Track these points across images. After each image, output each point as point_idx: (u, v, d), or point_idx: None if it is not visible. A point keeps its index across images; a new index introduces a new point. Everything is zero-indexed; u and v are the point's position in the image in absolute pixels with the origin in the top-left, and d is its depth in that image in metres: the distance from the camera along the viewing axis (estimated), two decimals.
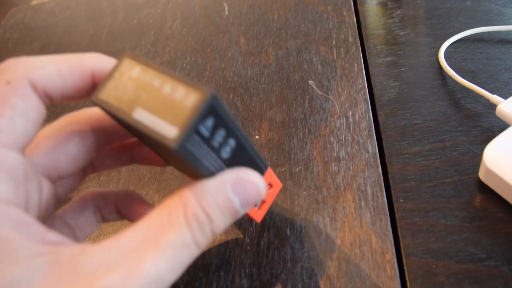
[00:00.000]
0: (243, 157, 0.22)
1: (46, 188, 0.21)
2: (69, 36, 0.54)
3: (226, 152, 0.20)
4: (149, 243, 0.17)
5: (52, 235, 0.17)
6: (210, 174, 0.20)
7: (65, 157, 0.21)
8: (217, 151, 0.20)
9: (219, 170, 0.20)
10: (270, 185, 0.26)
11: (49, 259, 0.16)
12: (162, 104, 0.18)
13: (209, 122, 0.18)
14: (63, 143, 0.21)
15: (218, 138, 0.19)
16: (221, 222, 0.19)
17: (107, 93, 0.19)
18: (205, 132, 0.18)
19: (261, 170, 0.24)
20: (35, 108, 0.18)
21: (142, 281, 0.16)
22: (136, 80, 0.19)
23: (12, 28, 0.59)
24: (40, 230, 0.17)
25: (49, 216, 0.22)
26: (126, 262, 0.16)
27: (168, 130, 0.17)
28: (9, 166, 0.17)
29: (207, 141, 0.19)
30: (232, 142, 0.20)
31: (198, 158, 0.18)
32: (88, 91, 0.20)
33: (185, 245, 0.18)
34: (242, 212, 0.20)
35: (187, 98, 0.18)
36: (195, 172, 0.20)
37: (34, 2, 0.69)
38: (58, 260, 0.16)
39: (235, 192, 0.19)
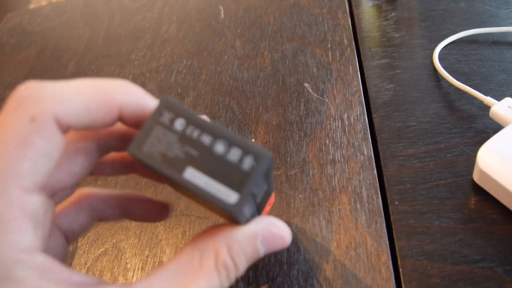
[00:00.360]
0: (267, 194, 0.23)
1: (51, 208, 0.20)
2: (65, 40, 0.54)
3: (260, 198, 0.21)
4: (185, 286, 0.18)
5: (77, 276, 0.17)
6: (245, 220, 0.20)
7: (70, 177, 0.20)
8: (255, 199, 0.20)
9: (252, 215, 0.21)
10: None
11: None
12: (215, 163, 0.17)
13: (262, 182, 0.19)
14: (68, 164, 0.20)
15: (261, 192, 0.20)
16: (244, 268, 0.20)
17: (149, 147, 0.18)
18: (256, 190, 0.19)
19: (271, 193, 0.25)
20: (59, 146, 0.17)
21: None
22: (181, 134, 0.18)
23: (9, 32, 0.59)
24: (66, 273, 0.17)
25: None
26: None
27: (227, 194, 0.17)
28: (31, 211, 0.17)
29: (254, 196, 0.19)
30: (265, 187, 0.21)
31: (244, 213, 0.19)
32: (113, 124, 0.19)
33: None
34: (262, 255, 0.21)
35: (244, 160, 0.17)
36: (227, 216, 0.20)
37: (31, 6, 0.69)
38: None
39: (263, 244, 0.20)
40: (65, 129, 0.17)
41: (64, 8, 0.60)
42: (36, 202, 0.17)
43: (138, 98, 0.19)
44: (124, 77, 0.46)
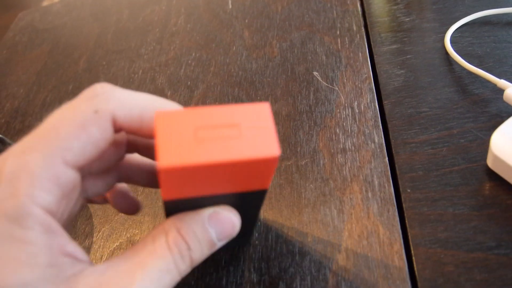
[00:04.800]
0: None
1: (79, 200, 0.23)
2: (76, 37, 0.54)
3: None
4: (137, 266, 0.19)
5: (71, 247, 0.19)
6: None
7: (101, 163, 0.23)
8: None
9: None
10: None
11: (55, 272, 0.18)
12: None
13: None
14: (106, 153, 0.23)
15: None
16: (198, 250, 0.21)
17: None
18: None
19: None
20: (107, 140, 0.20)
21: None
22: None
23: (21, 31, 0.59)
24: (63, 240, 0.19)
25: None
26: (118, 282, 0.19)
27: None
28: (63, 181, 0.19)
29: None
30: None
31: None
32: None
33: (167, 269, 0.20)
34: (219, 244, 0.22)
35: None
36: None
37: (45, 3, 0.69)
38: (60, 277, 0.18)
39: (211, 225, 0.21)
40: (117, 129, 0.20)
41: (74, 4, 0.61)
42: (70, 176, 0.19)
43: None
44: (134, 71, 0.46)
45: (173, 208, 0.21)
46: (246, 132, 0.18)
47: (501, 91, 0.31)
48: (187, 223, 0.21)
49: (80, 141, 0.19)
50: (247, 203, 0.22)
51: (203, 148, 0.17)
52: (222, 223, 0.22)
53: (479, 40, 0.36)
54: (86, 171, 0.22)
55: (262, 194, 0.21)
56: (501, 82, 0.30)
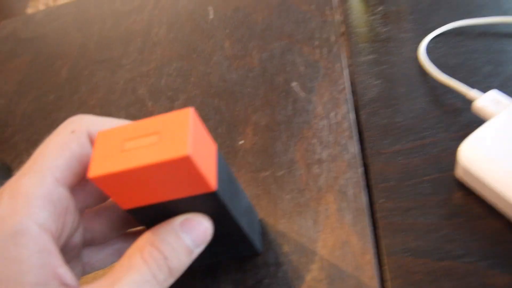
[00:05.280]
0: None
1: (79, 225, 0.24)
2: (58, 46, 0.54)
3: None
4: (113, 282, 0.20)
5: (62, 270, 0.20)
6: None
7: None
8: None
9: None
10: None
11: None
12: None
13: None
14: None
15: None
16: (175, 258, 0.21)
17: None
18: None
19: None
20: (89, 154, 0.22)
21: None
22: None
23: (3, 40, 0.59)
24: (56, 261, 0.20)
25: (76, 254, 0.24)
26: None
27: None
28: (56, 198, 0.20)
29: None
30: None
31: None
32: None
33: (145, 280, 0.20)
34: (196, 250, 0.22)
35: None
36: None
37: (28, 11, 0.70)
38: None
39: (184, 231, 0.22)
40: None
41: (57, 13, 0.61)
42: (62, 193, 0.21)
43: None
44: (116, 82, 0.46)
45: (140, 218, 0.23)
46: (164, 138, 0.20)
47: (471, 101, 0.32)
48: (159, 235, 0.21)
49: (64, 159, 0.21)
50: (209, 208, 0.23)
51: (126, 157, 0.19)
52: (194, 229, 0.22)
53: (453, 50, 0.37)
54: (85, 203, 0.24)
55: (214, 197, 0.22)
56: (470, 93, 0.31)
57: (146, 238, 0.21)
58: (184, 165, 0.19)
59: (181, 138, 0.19)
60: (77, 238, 0.24)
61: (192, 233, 0.22)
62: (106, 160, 0.20)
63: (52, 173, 0.20)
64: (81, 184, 0.23)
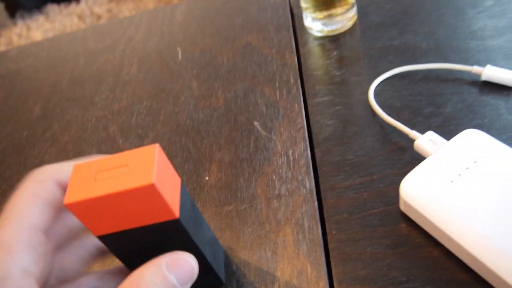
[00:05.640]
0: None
1: (51, 248, 0.25)
2: (31, 84, 0.56)
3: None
4: None
5: None
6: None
7: (67, 230, 0.26)
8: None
9: None
10: None
11: None
12: None
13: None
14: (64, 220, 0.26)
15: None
16: None
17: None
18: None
19: None
20: (59, 199, 0.24)
21: None
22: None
23: None
24: None
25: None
26: None
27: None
28: (36, 243, 0.22)
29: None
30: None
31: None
32: None
33: None
34: None
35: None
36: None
37: (0, 48, 0.71)
38: None
39: (170, 271, 0.23)
40: (65, 188, 0.24)
41: (30, 50, 0.63)
42: (40, 238, 0.22)
43: None
44: (88, 119, 0.48)
45: (112, 245, 0.25)
46: (133, 169, 0.22)
47: (413, 140, 0.35)
48: (145, 276, 0.22)
49: (37, 206, 0.23)
50: (174, 236, 0.25)
51: (98, 186, 0.22)
52: (180, 267, 0.23)
53: (398, 93, 0.40)
54: (57, 244, 0.25)
55: (177, 225, 0.24)
56: (412, 133, 0.35)
57: (132, 280, 0.22)
58: (149, 192, 0.22)
59: (147, 169, 0.22)
60: (53, 277, 0.25)
61: (178, 272, 0.23)
62: (80, 188, 0.22)
63: (29, 221, 0.22)
64: (52, 225, 0.25)
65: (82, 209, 0.22)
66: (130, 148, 0.43)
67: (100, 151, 0.44)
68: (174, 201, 0.24)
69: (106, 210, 0.23)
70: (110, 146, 0.44)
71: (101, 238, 0.24)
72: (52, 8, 2.10)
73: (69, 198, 0.22)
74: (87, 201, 0.22)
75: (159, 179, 0.22)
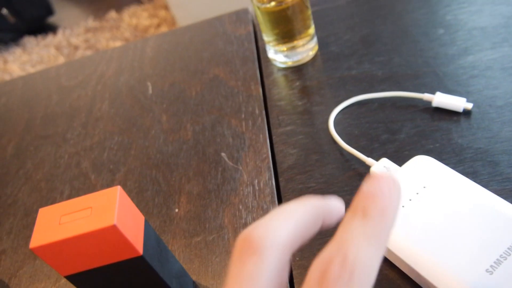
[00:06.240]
0: None
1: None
2: (5, 122, 0.57)
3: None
4: None
5: None
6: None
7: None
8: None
9: None
10: None
11: None
12: None
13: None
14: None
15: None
16: None
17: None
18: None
19: None
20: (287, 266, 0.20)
21: None
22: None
23: None
24: None
25: None
26: None
27: None
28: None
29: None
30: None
31: None
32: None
33: None
34: None
35: None
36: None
37: None
38: None
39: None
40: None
41: (4, 89, 0.64)
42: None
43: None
44: (61, 156, 0.49)
45: (80, 284, 0.26)
46: (95, 212, 0.24)
47: (370, 167, 0.37)
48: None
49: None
50: (140, 272, 0.27)
51: (62, 229, 0.24)
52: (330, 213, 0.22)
53: (356, 121, 0.43)
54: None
55: (142, 261, 0.26)
56: (368, 160, 0.37)
57: None
58: (112, 233, 0.24)
59: (109, 211, 0.24)
60: None
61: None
62: (45, 232, 0.24)
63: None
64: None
65: (48, 251, 0.24)
66: (102, 183, 0.44)
67: (73, 188, 0.45)
68: (138, 238, 0.25)
69: (71, 251, 0.24)
70: (83, 182, 0.45)
71: (69, 278, 0.26)
72: (29, 40, 2.11)
73: (34, 242, 0.24)
74: (52, 244, 0.23)
75: (121, 220, 0.24)
